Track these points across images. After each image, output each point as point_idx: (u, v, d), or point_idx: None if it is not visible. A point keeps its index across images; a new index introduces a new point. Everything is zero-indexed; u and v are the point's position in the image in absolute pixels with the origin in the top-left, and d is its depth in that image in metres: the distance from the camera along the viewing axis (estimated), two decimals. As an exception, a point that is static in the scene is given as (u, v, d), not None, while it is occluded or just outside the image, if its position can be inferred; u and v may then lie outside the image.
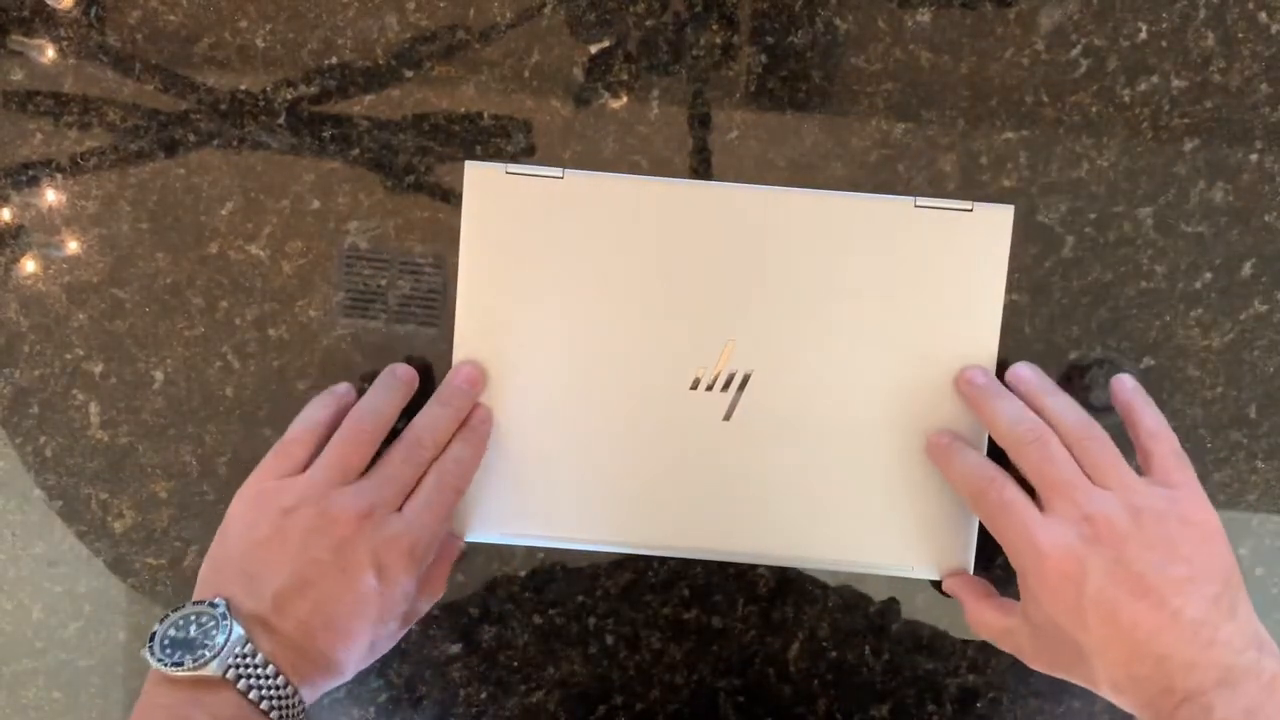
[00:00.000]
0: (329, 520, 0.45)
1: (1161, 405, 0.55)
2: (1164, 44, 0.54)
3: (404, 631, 0.50)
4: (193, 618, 0.43)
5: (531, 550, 0.56)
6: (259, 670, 0.42)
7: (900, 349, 0.52)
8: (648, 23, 0.54)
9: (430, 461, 0.49)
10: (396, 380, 0.52)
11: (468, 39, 0.54)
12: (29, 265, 0.55)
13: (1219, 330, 0.55)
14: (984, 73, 0.54)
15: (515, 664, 0.57)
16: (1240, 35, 0.54)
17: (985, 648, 0.57)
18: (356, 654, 0.45)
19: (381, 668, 0.57)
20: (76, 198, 0.55)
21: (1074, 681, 0.46)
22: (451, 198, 0.54)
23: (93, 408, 0.56)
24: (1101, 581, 0.43)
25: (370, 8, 0.54)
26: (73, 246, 0.55)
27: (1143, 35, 0.54)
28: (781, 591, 0.56)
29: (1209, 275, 0.55)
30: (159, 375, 0.56)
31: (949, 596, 0.53)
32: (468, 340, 0.52)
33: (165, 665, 0.42)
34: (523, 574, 0.57)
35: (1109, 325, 0.55)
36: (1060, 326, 0.55)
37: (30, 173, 0.55)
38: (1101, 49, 0.54)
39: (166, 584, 0.57)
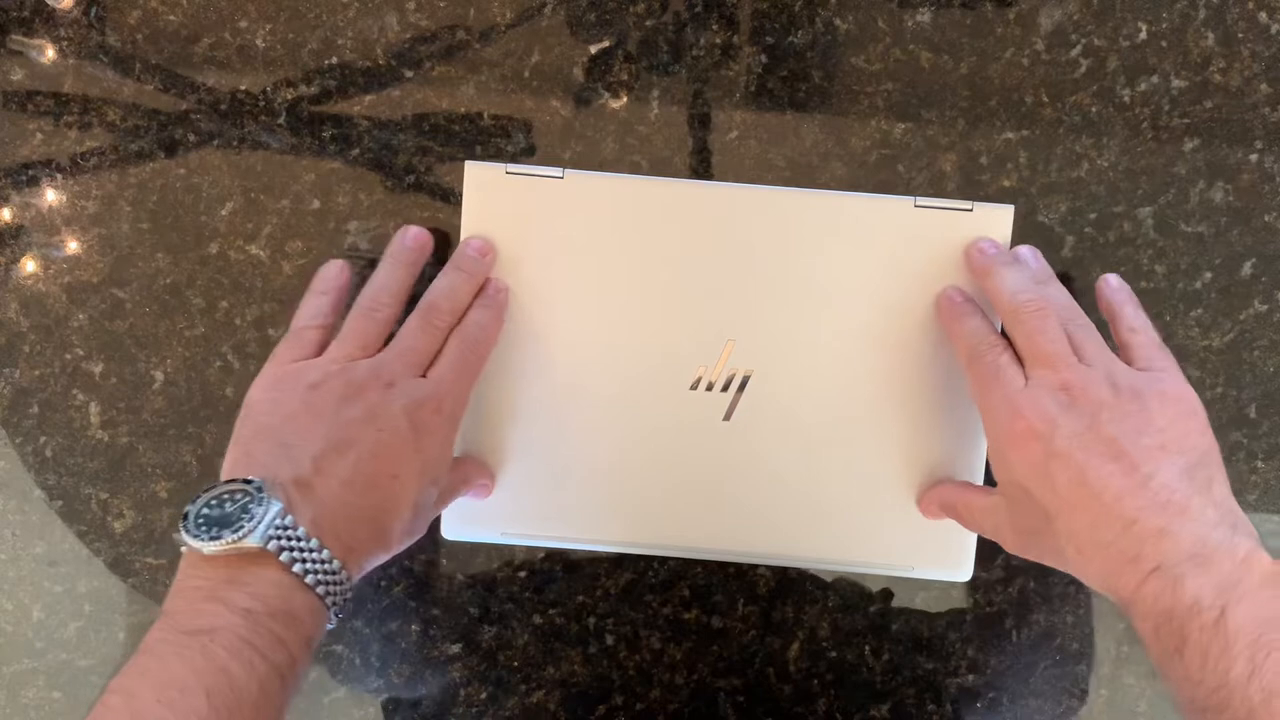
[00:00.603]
0: (357, 388, 0.45)
1: (1161, 405, 0.55)
2: (1164, 44, 0.54)
3: (442, 509, 0.49)
4: (227, 496, 0.41)
5: (531, 550, 0.56)
6: (302, 543, 0.40)
7: (901, 349, 0.52)
8: (648, 23, 0.54)
9: (449, 329, 0.49)
10: (406, 250, 0.51)
11: (468, 39, 0.54)
12: (29, 265, 0.55)
13: (1219, 330, 0.55)
14: (984, 73, 0.54)
15: (515, 664, 0.57)
16: (1240, 35, 0.54)
17: (985, 647, 0.57)
18: (401, 518, 0.44)
19: (381, 667, 0.57)
20: (76, 198, 0.55)
21: (1047, 563, 0.45)
22: (451, 197, 0.54)
23: (93, 408, 0.56)
24: (1071, 443, 0.42)
25: (370, 8, 0.54)
26: (73, 246, 0.55)
27: (1143, 35, 0.54)
28: (781, 591, 0.56)
29: (1209, 275, 0.55)
30: (159, 375, 0.56)
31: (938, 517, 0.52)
32: (468, 340, 0.52)
33: (201, 540, 0.39)
34: (523, 574, 0.57)
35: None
36: (1060, 326, 0.55)
37: (30, 173, 0.55)
38: (1101, 49, 0.54)
39: (166, 584, 0.57)
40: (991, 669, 0.57)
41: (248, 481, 0.41)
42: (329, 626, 0.42)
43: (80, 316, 0.55)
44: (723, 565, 0.56)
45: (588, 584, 0.57)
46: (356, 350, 0.47)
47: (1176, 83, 0.54)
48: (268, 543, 0.39)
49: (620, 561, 0.56)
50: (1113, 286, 0.50)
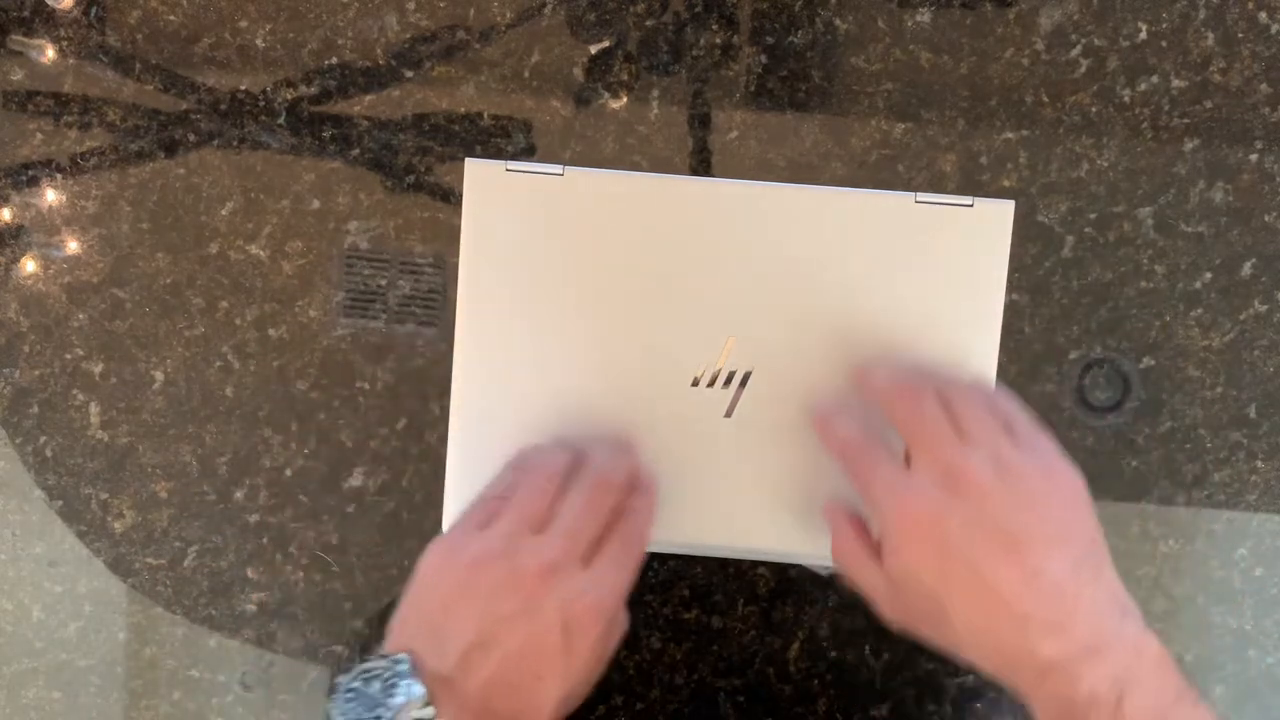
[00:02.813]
0: (517, 575, 0.43)
1: (1161, 405, 0.55)
2: (1164, 44, 0.54)
3: (594, 681, 0.46)
4: (377, 672, 0.41)
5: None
6: None
7: (901, 345, 0.52)
8: (648, 23, 0.54)
9: (610, 509, 0.47)
10: (623, 445, 0.50)
11: (468, 39, 0.54)
12: (29, 265, 0.55)
13: (1219, 330, 0.55)
14: (984, 73, 0.54)
15: (515, 664, 0.57)
16: (1240, 35, 0.54)
17: (985, 648, 0.57)
18: (545, 712, 0.43)
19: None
20: (76, 198, 0.55)
21: (934, 645, 0.45)
22: (451, 197, 0.54)
23: (93, 408, 0.56)
24: (961, 534, 0.42)
25: (370, 8, 0.54)
26: (73, 246, 0.55)
27: (1143, 35, 0.54)
28: (781, 591, 0.56)
29: (1209, 275, 0.55)
30: (159, 375, 0.56)
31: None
32: (468, 340, 0.52)
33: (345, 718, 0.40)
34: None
35: (1109, 325, 0.55)
36: (1060, 326, 0.55)
37: (30, 173, 0.55)
38: (1101, 49, 0.54)
39: (166, 584, 0.57)
40: (992, 669, 0.57)
41: (397, 660, 0.41)
42: None
43: (80, 316, 0.55)
44: (723, 565, 0.56)
45: (588, 584, 0.57)
46: (526, 526, 0.45)
47: (1176, 83, 0.54)
48: None
49: (620, 561, 0.56)
50: (984, 394, 0.49)
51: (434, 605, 0.44)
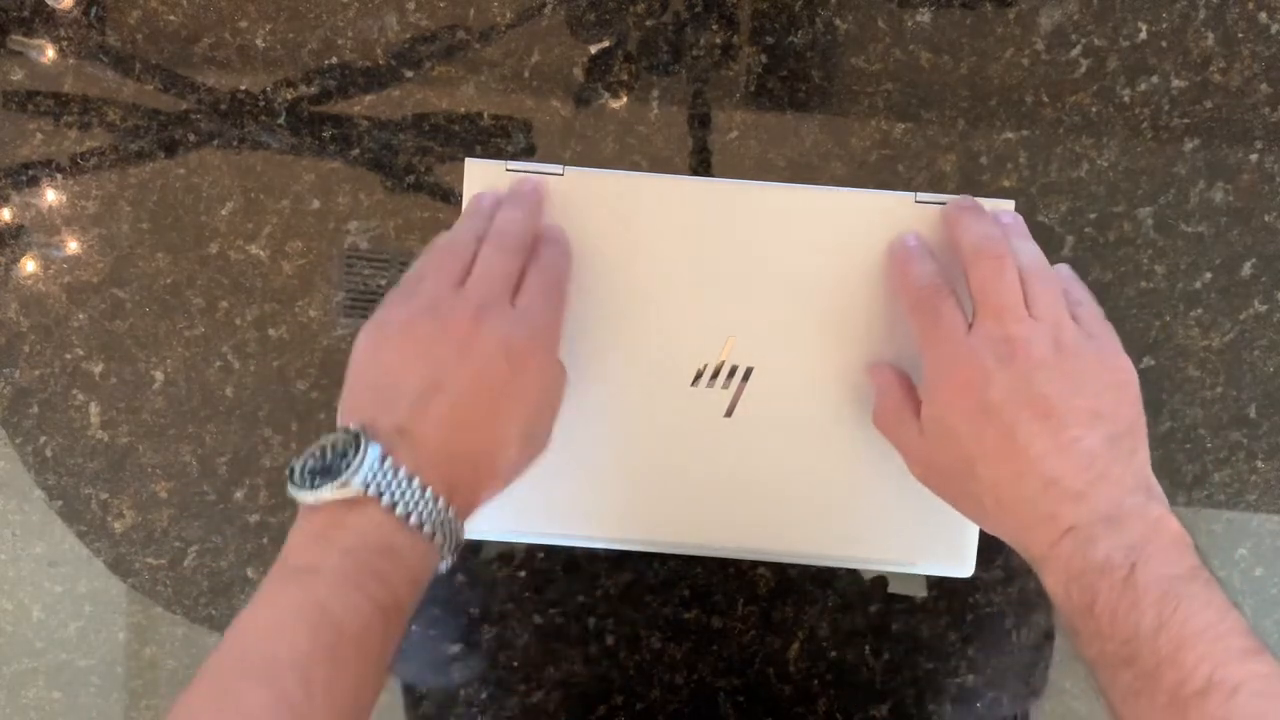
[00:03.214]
0: (450, 324, 0.44)
1: (1161, 405, 0.55)
2: (1164, 44, 0.54)
3: (552, 422, 0.47)
4: (328, 446, 0.41)
5: (531, 550, 0.56)
6: (402, 484, 0.40)
7: (901, 345, 0.52)
8: (648, 23, 0.54)
9: (523, 253, 0.47)
10: (519, 196, 0.50)
11: (468, 39, 0.54)
12: (29, 265, 0.55)
13: (1219, 330, 0.55)
14: (984, 73, 0.54)
15: (515, 664, 0.57)
16: (1240, 35, 0.54)
17: (985, 647, 0.57)
18: (505, 453, 0.44)
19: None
20: (76, 198, 0.55)
21: (956, 507, 0.46)
22: (451, 197, 0.54)
23: (93, 408, 0.56)
24: (1005, 395, 0.43)
25: (370, 8, 0.54)
26: (73, 246, 0.55)
27: (1143, 35, 0.54)
28: (781, 591, 0.56)
29: (1209, 275, 0.55)
30: (159, 375, 0.56)
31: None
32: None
33: (305, 490, 0.40)
34: (523, 574, 0.57)
35: (1109, 325, 0.55)
36: (1060, 326, 0.55)
37: (30, 173, 0.55)
38: (1101, 49, 0.54)
39: (166, 584, 0.57)
40: (991, 669, 0.57)
41: (348, 430, 0.41)
42: (443, 566, 0.43)
43: (80, 316, 0.55)
44: (723, 565, 0.56)
45: (588, 584, 0.57)
46: (445, 283, 0.45)
47: (1176, 83, 0.54)
48: (367, 488, 0.40)
49: (620, 561, 0.56)
50: (1064, 273, 0.49)
51: (376, 374, 0.44)
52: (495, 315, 0.44)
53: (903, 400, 0.48)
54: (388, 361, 0.44)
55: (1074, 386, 0.43)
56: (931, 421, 0.46)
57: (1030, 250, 0.47)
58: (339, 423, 0.43)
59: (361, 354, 0.45)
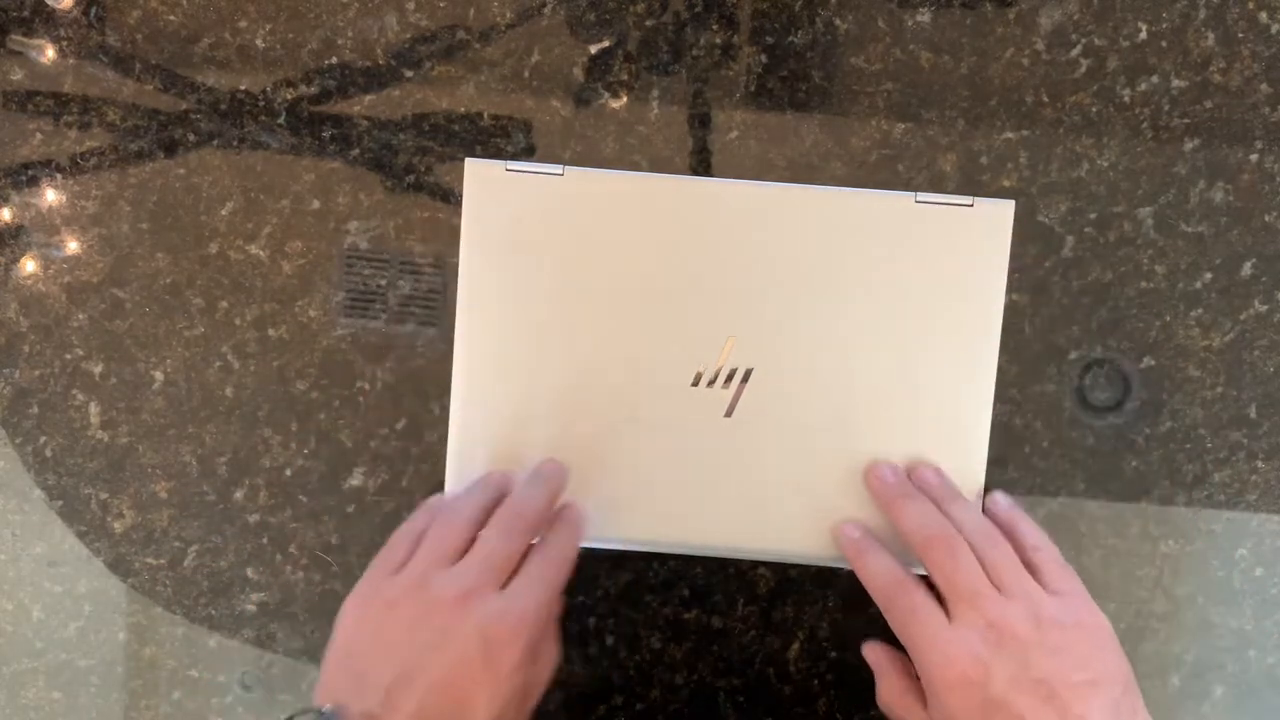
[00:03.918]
0: (433, 606, 0.44)
1: (1161, 405, 0.55)
2: (1164, 44, 0.54)
3: (530, 709, 0.47)
4: None
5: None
6: None
7: (901, 345, 0.52)
8: (648, 23, 0.54)
9: (529, 537, 0.47)
10: (540, 478, 0.51)
11: (468, 39, 0.54)
12: (29, 265, 0.55)
13: (1219, 330, 0.55)
14: (984, 73, 0.54)
15: (515, 664, 0.57)
16: (1240, 35, 0.54)
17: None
18: None
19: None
20: (76, 198, 0.55)
21: None
22: (451, 197, 0.54)
23: (93, 408, 0.56)
24: (1006, 686, 0.43)
25: (370, 8, 0.54)
26: (73, 246, 0.55)
27: (1143, 35, 0.54)
28: (781, 591, 0.56)
29: (1209, 275, 0.55)
30: (159, 375, 0.56)
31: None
32: (468, 340, 0.52)
33: None
34: (523, 574, 0.56)
35: (1109, 325, 0.55)
36: (1060, 326, 0.55)
37: (30, 173, 0.55)
38: (1101, 49, 0.54)
39: (166, 584, 0.57)
40: (992, 669, 0.57)
41: (322, 712, 0.42)
42: None
43: (80, 316, 0.55)
44: (723, 565, 0.56)
45: (588, 584, 0.57)
46: (437, 560, 0.45)
47: (1176, 83, 0.54)
48: None
49: (620, 561, 0.56)
50: (1003, 507, 0.51)
51: (355, 652, 0.44)
52: (479, 602, 0.44)
53: (905, 688, 0.49)
54: (365, 643, 0.44)
55: (1067, 662, 0.44)
56: (940, 718, 0.46)
57: (969, 516, 0.49)
58: (317, 694, 0.44)
59: (344, 629, 0.45)
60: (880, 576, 0.49)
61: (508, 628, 0.43)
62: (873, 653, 0.52)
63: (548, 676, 0.47)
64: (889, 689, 0.50)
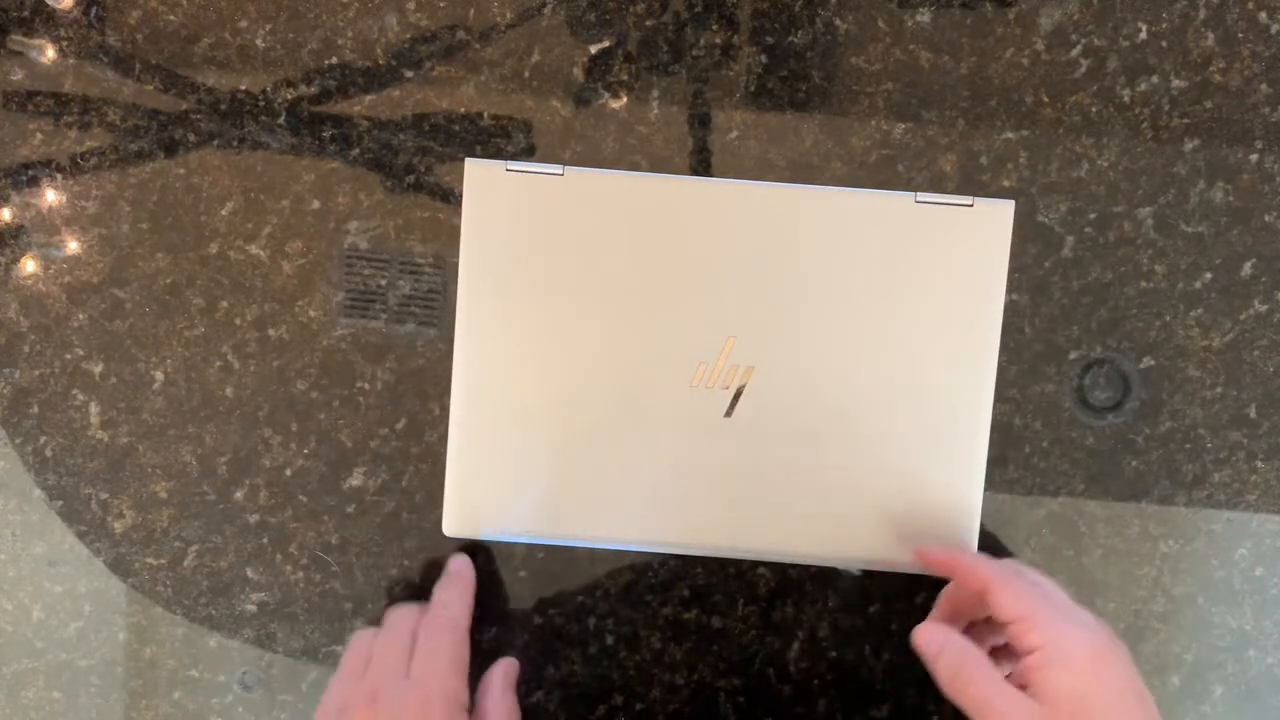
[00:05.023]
0: (349, 716, 0.47)
1: (1161, 405, 0.55)
2: (1164, 44, 0.54)
3: None
4: None
5: (531, 550, 0.56)
6: None
7: (901, 345, 0.52)
8: (648, 23, 0.54)
9: (412, 623, 0.51)
10: (452, 578, 0.55)
11: (468, 39, 0.54)
12: (29, 265, 0.55)
13: (1219, 330, 0.55)
14: (984, 73, 0.54)
15: (515, 664, 0.57)
16: (1240, 35, 0.54)
17: (985, 648, 0.57)
18: None
19: (381, 668, 0.57)
20: (76, 198, 0.55)
21: None
22: (451, 197, 0.54)
23: (93, 408, 0.56)
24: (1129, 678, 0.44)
25: (370, 8, 0.54)
26: (73, 246, 0.55)
27: (1143, 35, 0.54)
28: (781, 591, 0.56)
29: (1209, 275, 0.55)
30: (159, 375, 0.56)
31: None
32: (468, 340, 0.52)
33: None
34: (523, 574, 0.57)
35: (1109, 325, 0.55)
36: (1060, 326, 0.55)
37: (30, 173, 0.55)
38: (1101, 49, 0.54)
39: (166, 584, 0.57)
40: (992, 669, 0.57)
41: None
42: None
43: (80, 316, 0.55)
44: (723, 565, 0.56)
45: (588, 584, 0.57)
46: (352, 678, 0.49)
47: (1176, 83, 0.54)
48: None
49: (620, 561, 0.56)
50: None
51: None
52: (386, 695, 0.47)
53: (978, 658, 0.46)
54: None
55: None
56: (1061, 689, 0.44)
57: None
58: None
59: None
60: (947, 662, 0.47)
61: (415, 711, 0.47)
62: (929, 634, 0.48)
63: None
64: (952, 662, 0.47)
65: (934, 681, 0.47)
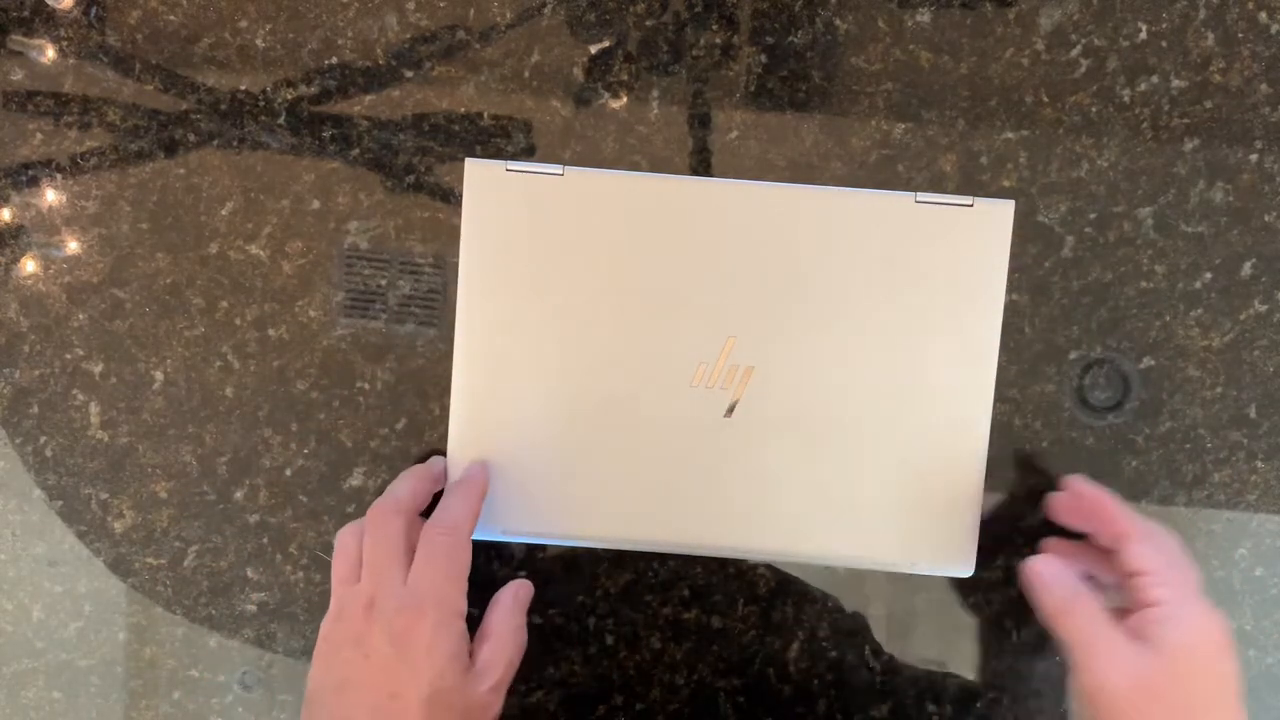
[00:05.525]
0: (349, 625, 0.47)
1: (1161, 405, 0.55)
2: (1164, 44, 0.54)
3: (496, 695, 0.49)
4: None
5: (531, 550, 0.56)
6: None
7: (902, 345, 0.52)
8: (648, 23, 0.54)
9: (403, 526, 0.49)
10: (461, 482, 0.52)
11: (468, 39, 0.54)
12: (29, 265, 0.55)
13: (1219, 330, 0.55)
14: (984, 73, 0.54)
15: (515, 664, 0.57)
16: (1240, 35, 0.54)
17: (985, 647, 0.57)
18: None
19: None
20: (76, 198, 0.55)
21: None
22: (451, 197, 0.54)
23: (93, 408, 0.56)
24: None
25: (370, 8, 0.54)
26: (73, 246, 0.55)
27: (1143, 35, 0.54)
28: (781, 591, 0.56)
29: (1209, 275, 0.55)
30: (159, 375, 0.56)
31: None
32: (468, 340, 0.52)
33: None
34: (523, 574, 0.57)
35: (1109, 325, 0.55)
36: (1060, 326, 0.55)
37: (30, 173, 0.55)
38: (1101, 49, 0.54)
39: (166, 584, 0.57)
40: (991, 669, 0.57)
41: None
42: None
43: (80, 316, 0.55)
44: (723, 565, 0.56)
45: (588, 584, 0.57)
46: (346, 586, 0.49)
47: (1176, 83, 0.54)
48: None
49: (620, 561, 0.56)
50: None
51: (313, 685, 0.48)
52: (382, 600, 0.47)
53: (1090, 596, 0.47)
54: (315, 671, 0.48)
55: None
56: (1179, 646, 0.45)
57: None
58: None
59: (314, 663, 0.49)
60: (1063, 599, 0.48)
61: (406, 616, 0.46)
62: (1041, 567, 0.49)
63: (461, 646, 0.48)
64: (1061, 594, 0.47)
65: (1034, 610, 0.48)
